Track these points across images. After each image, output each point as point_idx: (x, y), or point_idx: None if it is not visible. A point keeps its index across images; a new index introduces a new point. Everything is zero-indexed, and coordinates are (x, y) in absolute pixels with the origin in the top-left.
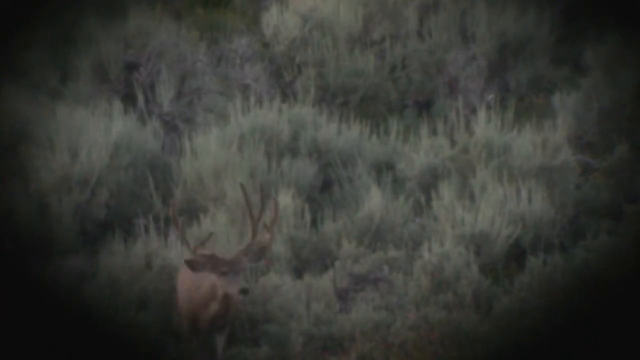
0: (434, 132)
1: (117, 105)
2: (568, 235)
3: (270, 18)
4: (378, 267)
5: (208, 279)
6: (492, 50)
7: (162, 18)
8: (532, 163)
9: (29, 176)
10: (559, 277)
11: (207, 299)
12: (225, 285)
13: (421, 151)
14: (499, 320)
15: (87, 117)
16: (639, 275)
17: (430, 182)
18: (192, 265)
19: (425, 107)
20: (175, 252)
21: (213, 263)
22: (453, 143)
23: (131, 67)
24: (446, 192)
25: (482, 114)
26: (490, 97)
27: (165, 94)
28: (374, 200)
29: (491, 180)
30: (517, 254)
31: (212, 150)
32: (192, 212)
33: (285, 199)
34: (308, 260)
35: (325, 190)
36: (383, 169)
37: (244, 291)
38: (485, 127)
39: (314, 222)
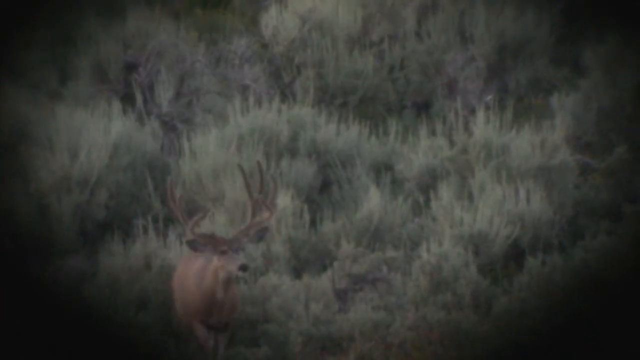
0: (432, 133)
1: (117, 105)
2: (567, 236)
3: (270, 19)
4: (377, 267)
5: (208, 268)
6: (490, 51)
7: (161, 19)
8: (531, 163)
9: (29, 176)
10: (558, 278)
11: (211, 286)
12: (225, 263)
13: (420, 152)
14: (498, 320)
15: (86, 118)
16: (638, 275)
17: (429, 182)
18: (192, 245)
19: (424, 107)
20: (174, 252)
21: (213, 243)
22: (452, 143)
23: (130, 68)
24: (445, 192)
25: (480, 115)
26: (489, 97)
27: (164, 95)
28: (373, 201)
29: (490, 180)
30: (516, 254)
31: (211, 151)
32: (191, 213)
33: (284, 200)
34: (307, 260)
35: (324, 191)
36: (382, 170)
37: (244, 267)
38: (484, 127)
39: (313, 223)
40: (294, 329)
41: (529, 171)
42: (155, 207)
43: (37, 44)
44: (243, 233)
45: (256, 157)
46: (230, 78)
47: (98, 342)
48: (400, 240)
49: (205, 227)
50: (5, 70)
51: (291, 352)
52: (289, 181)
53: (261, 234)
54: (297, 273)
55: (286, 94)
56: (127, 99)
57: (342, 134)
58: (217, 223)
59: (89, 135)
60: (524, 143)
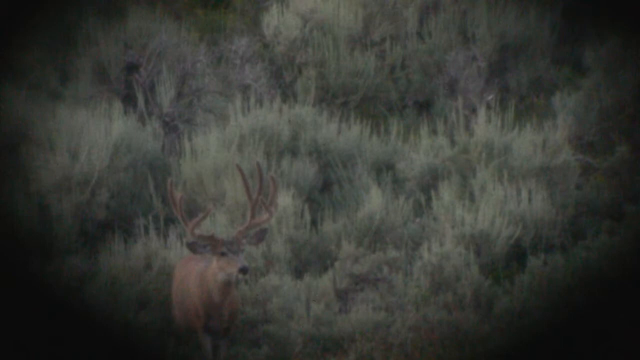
0: (434, 133)
1: (117, 105)
2: (568, 236)
3: (271, 19)
4: (378, 267)
5: (208, 271)
6: (492, 50)
7: (162, 19)
8: (533, 163)
9: (29, 176)
10: (559, 277)
11: (210, 289)
12: (225, 265)
13: (421, 151)
14: (500, 320)
15: (87, 118)
16: (639, 275)
17: (430, 182)
18: (192, 247)
19: (425, 107)
20: (175, 252)
21: (212, 244)
22: (453, 143)
23: (131, 68)
24: (446, 192)
25: (482, 114)
26: (491, 97)
27: (165, 95)
28: (374, 201)
29: (491, 180)
30: (517, 254)
31: (212, 151)
32: (192, 213)
33: (285, 200)
34: (308, 260)
35: (325, 191)
36: (383, 169)
37: (244, 270)
38: (485, 127)
39: (313, 223)
40: (295, 329)
41: (530, 171)
42: (156, 207)
43: (37, 44)
44: (242, 234)
45: (257, 157)
46: (231, 78)
47: (98, 342)
48: (402, 240)
49: (206, 227)
50: (5, 70)
51: (292, 353)
52: (289, 181)
53: (260, 236)
54: (298, 273)
55: (287, 94)
56: (128, 99)
57: (343, 134)
58: (217, 223)
59: (89, 135)
60: (526, 143)
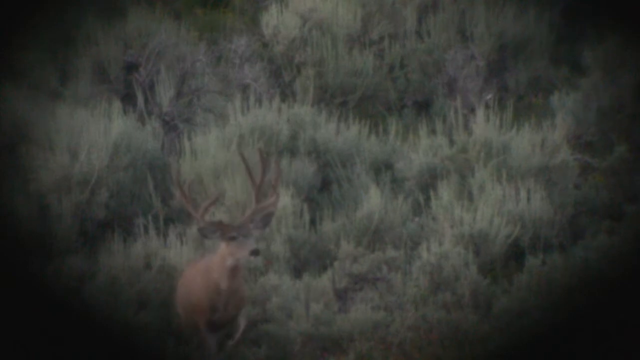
0: (432, 132)
1: (117, 105)
2: (567, 235)
3: (270, 18)
4: (377, 267)
5: (214, 260)
6: (491, 50)
7: (161, 18)
8: (531, 163)
9: (29, 176)
10: (558, 277)
11: (217, 276)
12: (235, 249)
13: (420, 151)
14: (498, 320)
15: (87, 118)
16: (638, 275)
17: (429, 181)
18: (202, 232)
19: (424, 106)
20: (175, 251)
21: (221, 229)
22: (452, 143)
23: (131, 68)
24: (445, 191)
25: (480, 114)
26: (489, 96)
27: (165, 94)
28: (373, 200)
29: (490, 180)
30: (516, 254)
31: (212, 150)
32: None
33: (284, 199)
34: (307, 260)
35: (324, 190)
36: (382, 169)
37: (255, 252)
38: (484, 126)
39: (312, 222)
40: (294, 328)
41: (529, 171)
42: (155, 206)
43: (37, 44)
44: (249, 219)
45: (256, 157)
46: (230, 77)
47: (98, 342)
48: (401, 240)
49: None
50: (5, 70)
51: (291, 352)
52: (288, 180)
53: (267, 220)
54: (297, 273)
55: (286, 93)
56: (128, 99)
57: (342, 133)
58: None
59: (89, 135)
60: (524, 142)
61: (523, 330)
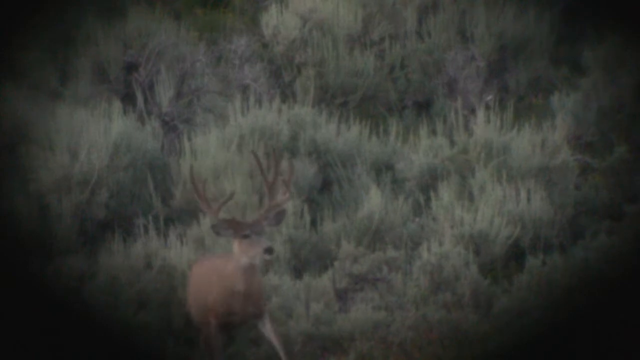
0: (433, 133)
1: (117, 105)
2: (567, 235)
3: (270, 18)
4: (377, 267)
5: (229, 260)
6: (491, 50)
7: (161, 18)
8: (531, 163)
9: (29, 176)
10: (558, 277)
11: (232, 277)
12: (248, 248)
13: (420, 151)
14: (498, 320)
15: (86, 118)
16: (638, 275)
17: (429, 182)
18: (215, 229)
19: (424, 107)
20: (175, 252)
21: (234, 227)
22: (452, 143)
23: (131, 68)
24: (445, 192)
25: (481, 114)
26: (490, 97)
27: (165, 94)
28: (373, 201)
29: (490, 180)
30: (516, 254)
31: (212, 151)
32: (192, 213)
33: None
34: (307, 260)
35: (324, 191)
36: (382, 169)
37: (269, 250)
38: (484, 127)
39: (313, 222)
40: (295, 328)
41: (529, 171)
42: (155, 206)
43: (37, 44)
44: (263, 216)
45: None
46: (230, 78)
47: (98, 342)
48: (401, 240)
49: (206, 226)
50: (5, 70)
51: (292, 352)
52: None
53: (280, 217)
54: (297, 273)
55: (286, 94)
56: (128, 99)
57: (342, 134)
58: None
59: (89, 135)
60: (525, 143)
61: (523, 330)
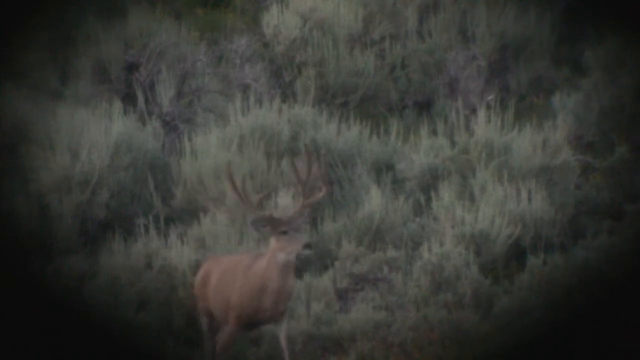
0: (434, 133)
1: (118, 105)
2: (568, 235)
3: (271, 18)
4: (378, 267)
5: (261, 259)
6: (492, 50)
7: (162, 18)
8: (532, 163)
9: (29, 176)
10: (559, 277)
11: (267, 275)
12: (286, 244)
13: (421, 151)
14: (499, 319)
15: (87, 118)
16: (638, 275)
17: (430, 182)
18: (254, 225)
19: (425, 107)
20: (175, 251)
21: (272, 223)
22: (453, 143)
23: (131, 67)
24: (446, 192)
25: (482, 114)
26: (491, 97)
27: (166, 94)
28: (374, 201)
29: (491, 180)
30: (517, 254)
31: (212, 151)
32: (192, 212)
33: (285, 199)
34: (308, 260)
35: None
36: (383, 169)
37: (308, 245)
38: (485, 127)
39: (314, 222)
40: (295, 328)
41: (530, 171)
42: (156, 206)
43: (37, 44)
44: (299, 213)
45: (257, 157)
46: (231, 77)
47: (98, 342)
48: (402, 240)
49: (207, 226)
50: (5, 70)
51: (292, 352)
52: (289, 181)
53: (314, 215)
54: (298, 273)
55: (287, 94)
56: (128, 99)
57: (343, 134)
58: (218, 223)
59: (89, 135)
60: (526, 143)
61: (524, 330)
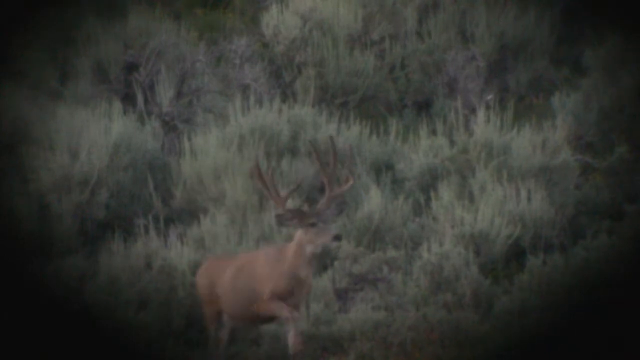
0: (433, 132)
1: (117, 105)
2: (568, 235)
3: (270, 18)
4: (377, 267)
5: (286, 251)
6: (491, 50)
7: (161, 18)
8: (532, 163)
9: (29, 176)
10: (558, 277)
11: (296, 265)
12: (315, 236)
13: (420, 151)
14: (499, 319)
15: (87, 118)
16: (638, 275)
17: (429, 182)
18: (280, 219)
19: (424, 107)
20: (175, 252)
21: (300, 216)
22: (452, 143)
23: (131, 68)
24: (445, 192)
25: (481, 114)
26: (490, 97)
27: (165, 94)
28: (374, 201)
29: (490, 180)
30: (516, 254)
31: (212, 151)
32: (192, 213)
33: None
34: None
35: (324, 191)
36: (382, 169)
37: (339, 237)
38: (484, 127)
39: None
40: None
41: (529, 171)
42: (155, 206)
43: (37, 44)
44: (326, 205)
45: (257, 157)
46: (230, 78)
47: (98, 342)
48: (401, 240)
49: (207, 227)
50: (5, 70)
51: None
52: (289, 181)
53: (341, 207)
54: None
55: (287, 94)
56: (128, 99)
57: (342, 134)
58: (217, 223)
59: (89, 135)
60: (525, 143)
61: (523, 330)
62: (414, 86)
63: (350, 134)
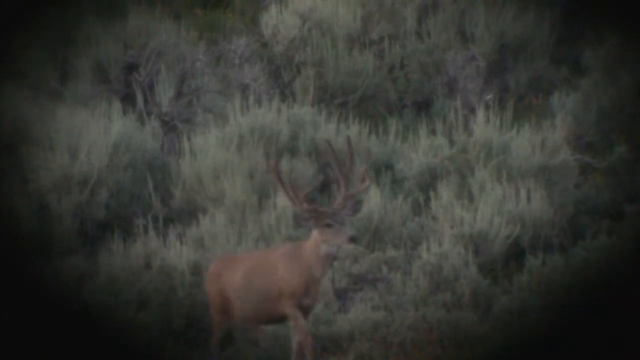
0: (432, 132)
1: (117, 105)
2: (567, 235)
3: (270, 18)
4: (377, 267)
5: (301, 251)
6: (491, 50)
7: (161, 18)
8: (531, 163)
9: (29, 176)
10: (558, 277)
11: (311, 265)
12: (331, 237)
13: (420, 151)
14: (498, 319)
15: (86, 118)
16: (638, 275)
17: (429, 182)
18: (299, 218)
19: (424, 107)
20: (174, 252)
21: (316, 216)
22: (452, 143)
23: (131, 68)
24: (445, 192)
25: (481, 114)
26: (489, 97)
27: (165, 94)
28: (373, 200)
29: (490, 180)
30: (516, 254)
31: (211, 151)
32: (191, 213)
33: (284, 199)
34: None
35: (324, 190)
36: (382, 169)
37: (354, 239)
38: (484, 127)
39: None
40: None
41: (529, 171)
42: (155, 206)
43: (37, 44)
44: (341, 206)
45: (256, 157)
46: (230, 77)
47: (98, 342)
48: (400, 240)
49: (206, 227)
50: (5, 70)
51: (291, 352)
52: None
53: (357, 207)
54: None
55: (286, 93)
56: (128, 99)
57: (342, 133)
58: (217, 223)
59: (89, 135)
60: (524, 143)
61: (523, 330)
62: (413, 86)
63: (349, 134)
